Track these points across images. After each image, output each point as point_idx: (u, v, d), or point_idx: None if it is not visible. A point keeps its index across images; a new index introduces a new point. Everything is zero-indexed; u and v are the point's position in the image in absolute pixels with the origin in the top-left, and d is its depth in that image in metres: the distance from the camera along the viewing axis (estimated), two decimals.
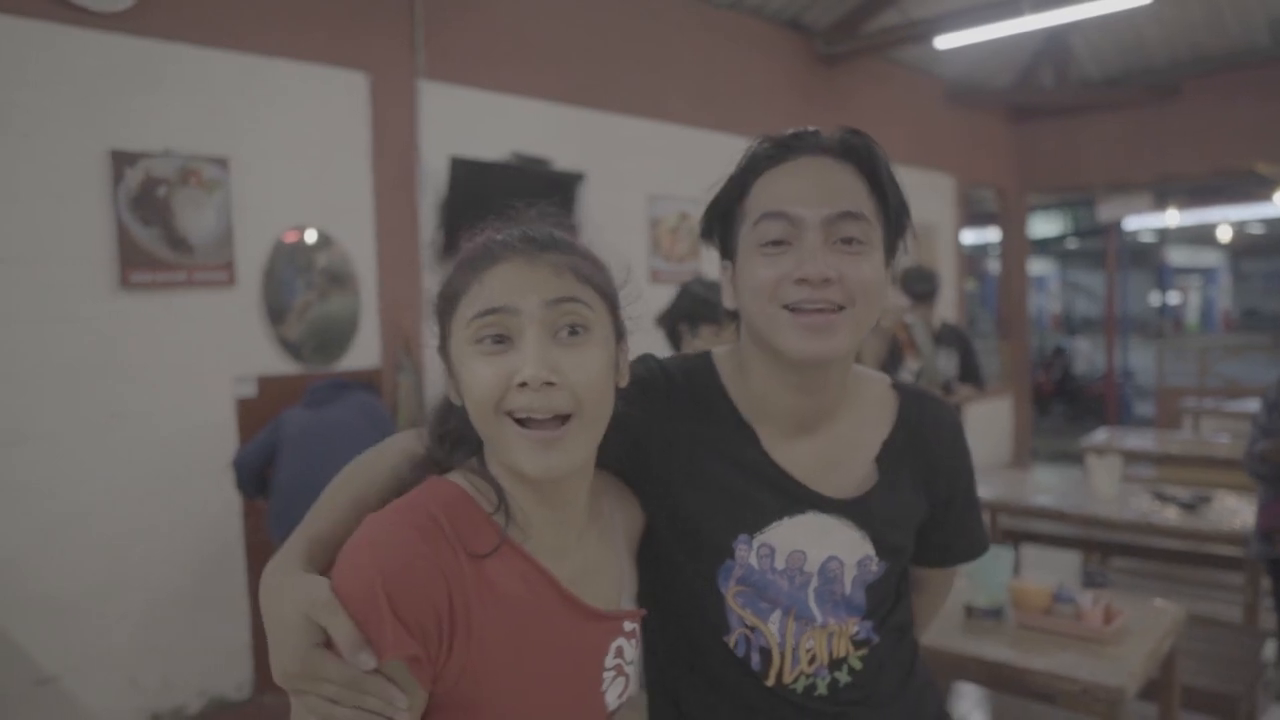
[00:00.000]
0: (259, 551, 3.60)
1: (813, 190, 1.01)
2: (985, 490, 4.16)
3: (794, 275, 0.97)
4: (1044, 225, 13.08)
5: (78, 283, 3.16)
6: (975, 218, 11.08)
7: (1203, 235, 23.60)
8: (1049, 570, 4.75)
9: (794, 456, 1.08)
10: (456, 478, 0.91)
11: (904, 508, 1.12)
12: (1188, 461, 5.24)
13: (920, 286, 4.07)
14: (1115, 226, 10.13)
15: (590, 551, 0.97)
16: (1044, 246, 19.75)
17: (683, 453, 1.08)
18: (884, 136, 4.54)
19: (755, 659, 1.07)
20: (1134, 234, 17.19)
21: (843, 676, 1.10)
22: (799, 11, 5.94)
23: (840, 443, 1.10)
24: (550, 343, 0.85)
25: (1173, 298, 28.61)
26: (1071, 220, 12.56)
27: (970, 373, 4.27)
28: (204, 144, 3.44)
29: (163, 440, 3.35)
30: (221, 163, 3.48)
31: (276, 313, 3.68)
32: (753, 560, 1.06)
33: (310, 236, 3.75)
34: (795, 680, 1.08)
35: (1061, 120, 7.92)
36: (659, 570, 1.08)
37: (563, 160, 4.47)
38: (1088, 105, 7.70)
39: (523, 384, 0.82)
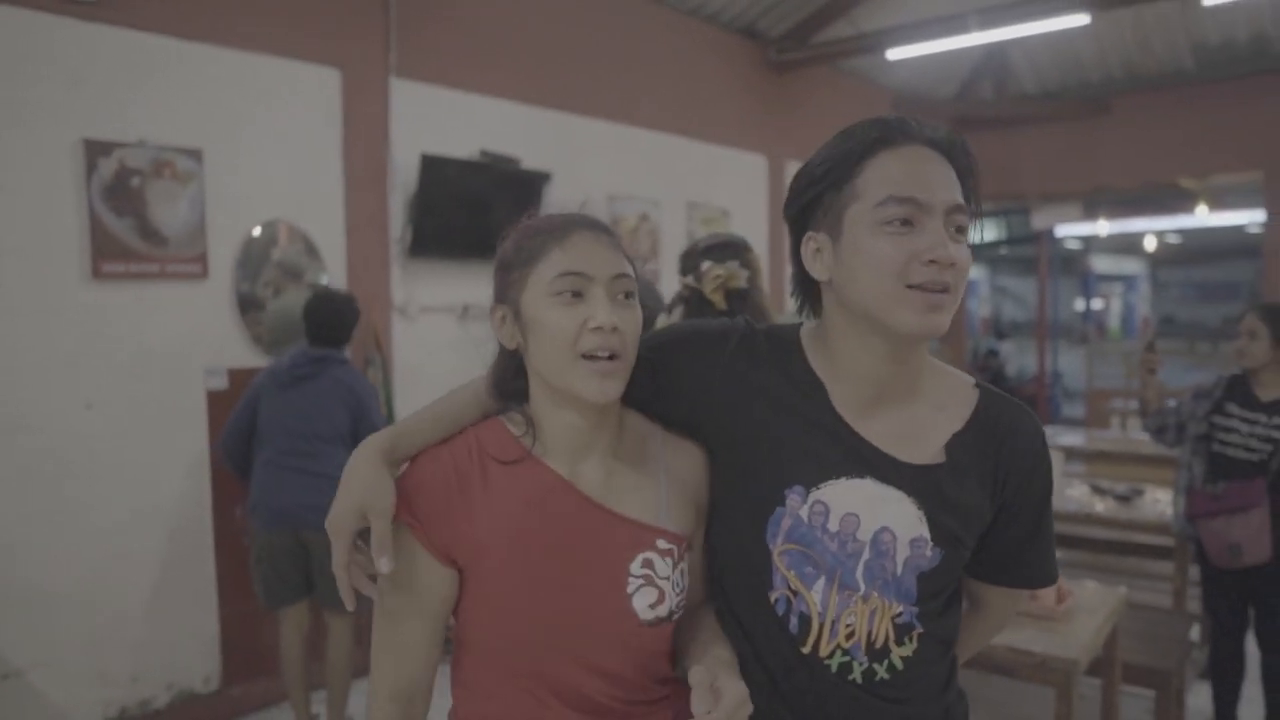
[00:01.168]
0: (228, 543, 3.61)
1: (935, 179, 1.05)
2: None
3: (925, 256, 1.02)
4: (984, 232, 13.50)
5: (51, 273, 3.14)
6: None
7: (1124, 244, 24.59)
8: None
9: (864, 422, 1.11)
10: (500, 416, 1.15)
11: (966, 500, 1.11)
12: (1117, 458, 5.55)
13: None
14: (1047, 234, 10.55)
15: (625, 472, 1.14)
16: (976, 252, 20.35)
17: (752, 399, 1.14)
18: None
19: (794, 622, 1.11)
20: (1061, 241, 17.86)
21: (881, 671, 1.11)
22: (754, 19, 6.11)
23: (913, 421, 1.13)
24: (612, 302, 1.07)
25: (1096, 304, 29.70)
26: (1006, 227, 13.01)
27: None
28: (178, 135, 3.44)
29: (134, 431, 3.34)
30: (195, 155, 3.48)
31: (247, 305, 3.69)
32: (803, 513, 1.09)
33: (281, 226, 3.77)
34: (831, 655, 1.10)
35: (1000, 131, 8.23)
36: (711, 518, 1.18)
37: (530, 160, 4.54)
38: (1025, 118, 8.03)
39: (597, 327, 1.04)
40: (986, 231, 13.19)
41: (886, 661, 1.11)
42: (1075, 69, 7.78)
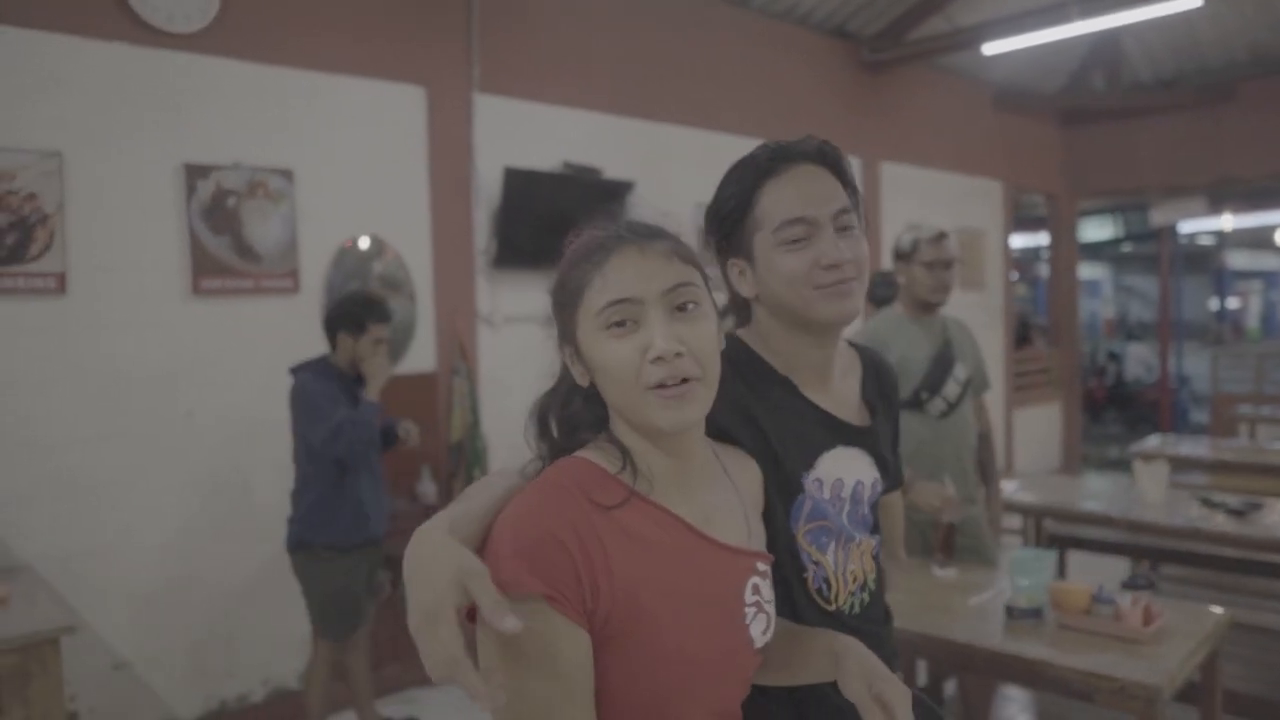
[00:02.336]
0: None
1: (817, 193, 1.24)
2: (1032, 495, 4.16)
3: (822, 263, 1.21)
4: (1096, 229, 12.90)
5: (154, 289, 3.35)
6: (1025, 222, 10.98)
7: (1263, 238, 23.01)
8: (1096, 576, 4.72)
9: (823, 400, 1.31)
10: (581, 453, 1.03)
11: (887, 435, 1.40)
12: (1240, 469, 5.18)
13: (881, 292, 4.13)
14: (1169, 230, 9.98)
15: (714, 498, 1.09)
16: (1096, 251, 19.44)
17: (750, 407, 1.24)
18: (930, 143, 4.74)
19: (822, 588, 1.26)
20: (1191, 237, 16.85)
21: (866, 596, 1.31)
22: (845, 19, 5.99)
23: (845, 388, 1.36)
24: (670, 319, 0.98)
25: (1232, 303, 27.91)
26: (1123, 224, 12.38)
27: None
28: (270, 157, 3.61)
29: (232, 439, 3.52)
30: (287, 174, 3.65)
31: None
32: (817, 493, 1.25)
33: (365, 244, 3.91)
34: (846, 602, 1.28)
35: (1113, 123, 7.84)
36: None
37: (613, 170, 4.57)
38: (1140, 108, 7.62)
39: (657, 358, 0.95)
40: (1103, 229, 12.58)
41: (867, 591, 1.32)
42: (1194, 54, 7.33)
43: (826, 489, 1.26)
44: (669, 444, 1.02)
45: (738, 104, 5.40)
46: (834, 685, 1.11)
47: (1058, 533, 4.43)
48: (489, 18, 4.24)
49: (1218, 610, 2.52)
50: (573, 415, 1.06)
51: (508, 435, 4.31)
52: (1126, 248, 17.58)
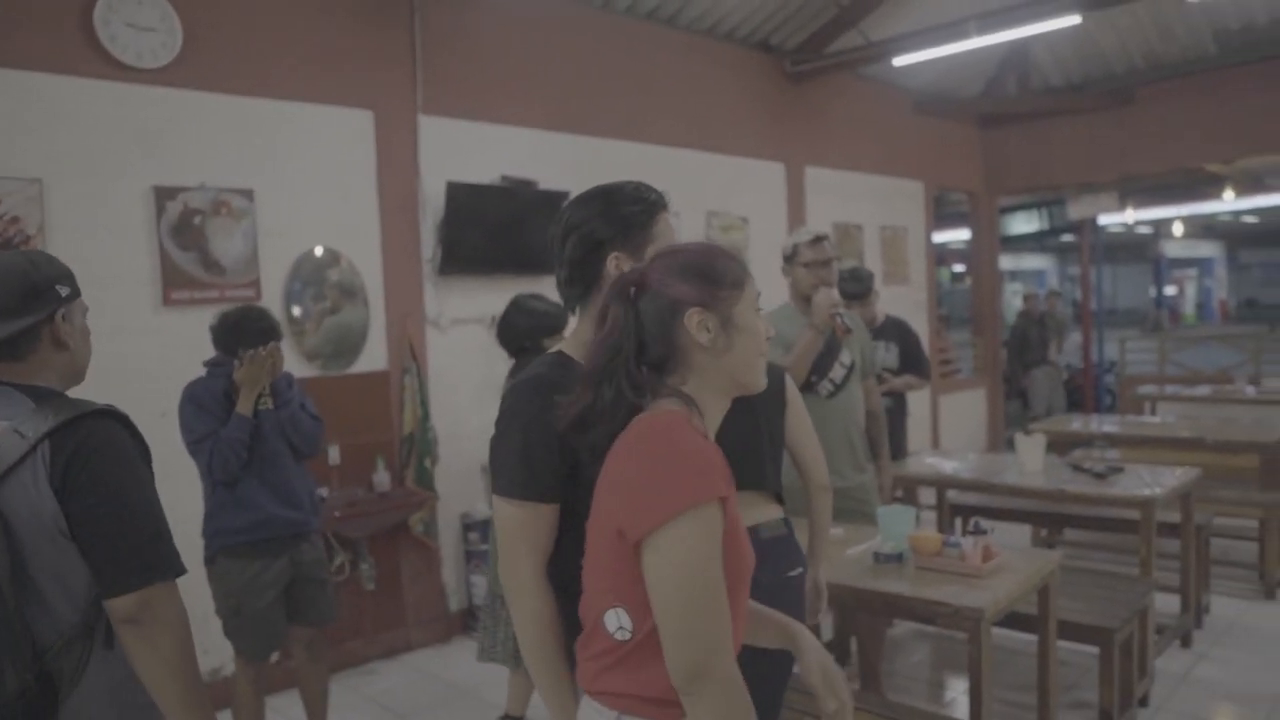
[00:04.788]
0: None
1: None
2: (926, 468, 4.64)
3: None
4: (1024, 223, 13.54)
5: (129, 301, 3.70)
6: (951, 218, 11.55)
7: (1199, 228, 23.92)
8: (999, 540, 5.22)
9: None
10: (667, 403, 1.32)
11: None
12: (1133, 441, 5.75)
13: (850, 286, 4.57)
14: (1089, 223, 10.59)
15: None
16: (1040, 242, 20.16)
17: None
18: (853, 147, 5.38)
19: None
20: (1130, 228, 17.59)
21: None
22: (768, 34, 6.45)
23: None
24: None
25: (1170, 290, 28.93)
26: (1048, 218, 13.03)
27: (911, 363, 4.76)
28: (233, 178, 3.98)
29: None
30: (248, 194, 4.01)
31: (295, 322, 4.21)
32: None
33: (323, 252, 4.29)
34: None
35: (1027, 125, 8.40)
36: None
37: (549, 182, 4.98)
38: (1051, 111, 8.17)
39: (769, 337, 1.38)
40: (1029, 223, 13.21)
41: None
42: (1098, 61, 7.91)
43: None
44: (730, 398, 1.39)
45: (669, 116, 5.83)
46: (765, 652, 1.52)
47: (958, 502, 4.94)
48: (431, 45, 4.63)
49: (1051, 553, 3.00)
50: (642, 374, 1.33)
51: (455, 427, 4.71)
52: (1067, 238, 18.29)
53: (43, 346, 1.60)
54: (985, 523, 3.02)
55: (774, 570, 2.19)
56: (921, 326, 7.89)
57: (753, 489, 2.26)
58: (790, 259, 3.45)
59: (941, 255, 19.18)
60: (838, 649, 4.09)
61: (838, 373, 3.44)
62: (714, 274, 1.34)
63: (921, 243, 8.13)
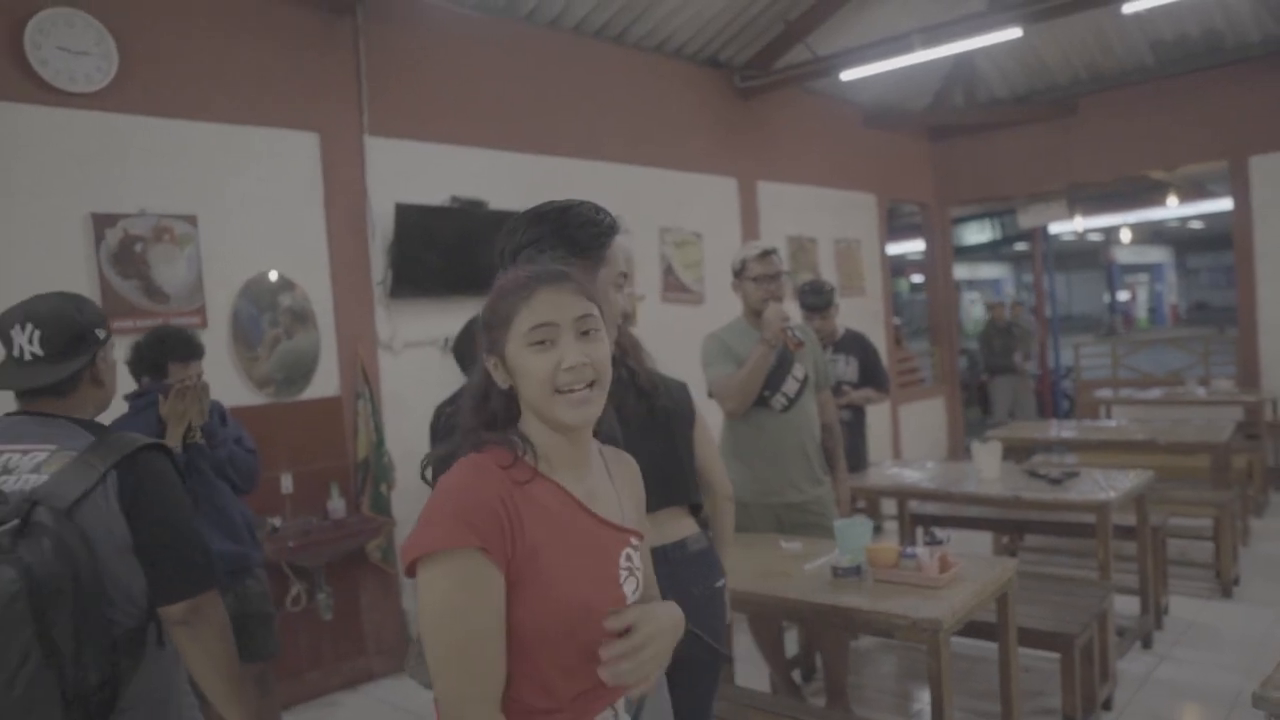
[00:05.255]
0: None
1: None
2: (883, 479, 4.64)
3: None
4: (976, 233, 13.75)
5: None
6: (905, 229, 11.67)
7: (1148, 233, 24.42)
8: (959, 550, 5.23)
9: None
10: (498, 442, 1.31)
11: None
12: (1089, 445, 5.83)
13: (811, 299, 4.58)
14: (1041, 231, 10.76)
15: (597, 482, 1.39)
16: (995, 250, 20.46)
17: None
18: (803, 161, 5.40)
19: None
20: (1081, 235, 17.92)
21: None
22: (717, 50, 6.49)
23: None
24: (578, 340, 1.28)
25: (1123, 295, 29.50)
26: (1000, 228, 13.25)
27: (871, 377, 4.78)
28: (175, 203, 3.89)
29: None
30: (191, 219, 3.93)
31: (244, 349, 4.12)
32: None
33: (273, 277, 4.21)
34: None
35: (976, 136, 8.52)
36: None
37: (500, 201, 4.94)
38: (999, 122, 8.30)
39: (569, 368, 1.26)
40: (982, 233, 13.41)
41: None
42: (1042, 73, 8.06)
43: None
44: (568, 434, 1.31)
45: (619, 133, 5.82)
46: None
47: (918, 512, 4.95)
48: (376, 66, 4.58)
49: (1009, 561, 3.00)
50: (493, 412, 1.34)
51: (411, 451, 4.63)
52: (1021, 247, 18.60)
53: (84, 385, 1.81)
54: (944, 532, 3.02)
55: (704, 582, 2.18)
56: (878, 337, 7.94)
57: (677, 504, 2.24)
58: (739, 274, 3.45)
59: (900, 266, 19.42)
60: (803, 664, 4.07)
61: (791, 386, 3.43)
62: (492, 317, 1.33)
63: (876, 254, 8.20)
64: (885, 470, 5.06)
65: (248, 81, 4.15)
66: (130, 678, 1.63)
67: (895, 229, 10.75)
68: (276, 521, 4.17)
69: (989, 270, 29.15)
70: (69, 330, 1.76)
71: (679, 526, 2.22)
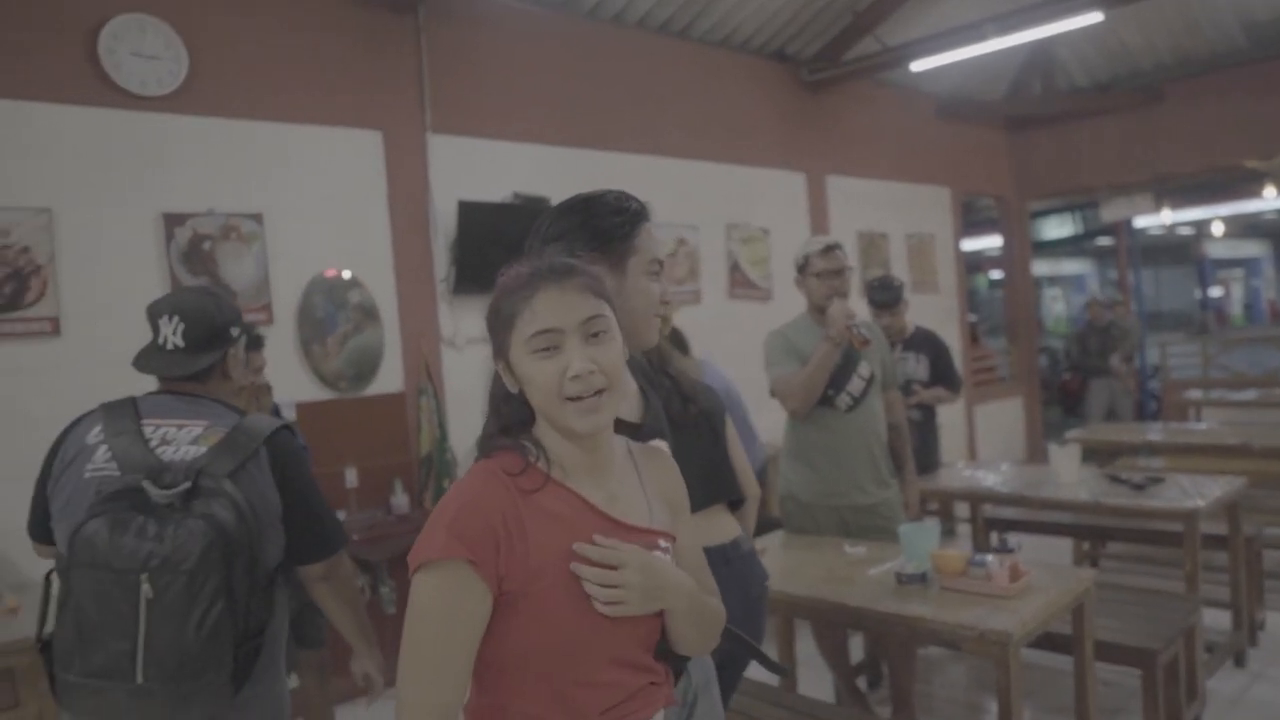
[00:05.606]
0: None
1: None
2: (957, 481, 4.48)
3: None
4: (1056, 228, 13.26)
5: (140, 329, 3.65)
6: (982, 224, 11.33)
7: (1243, 227, 23.29)
8: (1033, 554, 5.02)
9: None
10: (510, 448, 1.26)
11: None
12: (1176, 449, 5.54)
13: (879, 295, 4.45)
14: (1125, 225, 10.33)
15: (622, 486, 1.31)
16: (1079, 245, 19.74)
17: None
18: (874, 154, 5.26)
19: None
20: (1171, 229, 17.18)
21: None
22: (783, 43, 6.36)
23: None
24: (585, 344, 1.19)
25: (1215, 291, 28.22)
26: (1081, 221, 12.75)
27: (942, 375, 4.61)
28: (242, 202, 3.96)
29: None
30: (257, 218, 3.99)
31: (310, 345, 4.17)
32: None
33: (345, 275, 4.26)
34: None
35: (1055, 127, 8.21)
36: None
37: (562, 198, 4.90)
38: (1079, 111, 7.98)
39: (575, 376, 1.17)
40: (1062, 227, 12.94)
41: None
42: (1125, 59, 7.72)
43: None
44: (582, 441, 1.24)
45: (684, 129, 5.75)
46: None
47: (993, 516, 4.77)
48: (438, 63, 4.60)
49: (1087, 572, 2.85)
50: (506, 416, 1.29)
51: (473, 447, 4.64)
52: (1104, 241, 17.95)
53: (215, 377, 1.98)
54: (1019, 538, 2.88)
55: (760, 582, 2.12)
56: (952, 335, 7.72)
57: (722, 500, 2.18)
58: (803, 269, 3.35)
59: (977, 262, 18.86)
60: (869, 670, 3.95)
61: (856, 385, 3.32)
62: (494, 319, 1.25)
63: (950, 249, 7.96)
64: (959, 472, 4.89)
65: (312, 81, 4.20)
66: (267, 620, 1.82)
67: (971, 224, 10.44)
68: (341, 515, 4.22)
69: (1071, 266, 28.18)
70: (208, 327, 1.93)
71: (728, 525, 2.16)
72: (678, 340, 3.90)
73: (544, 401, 1.22)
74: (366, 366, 4.38)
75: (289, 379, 4.09)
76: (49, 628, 1.82)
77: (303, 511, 1.88)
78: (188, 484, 1.69)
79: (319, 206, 4.21)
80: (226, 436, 1.81)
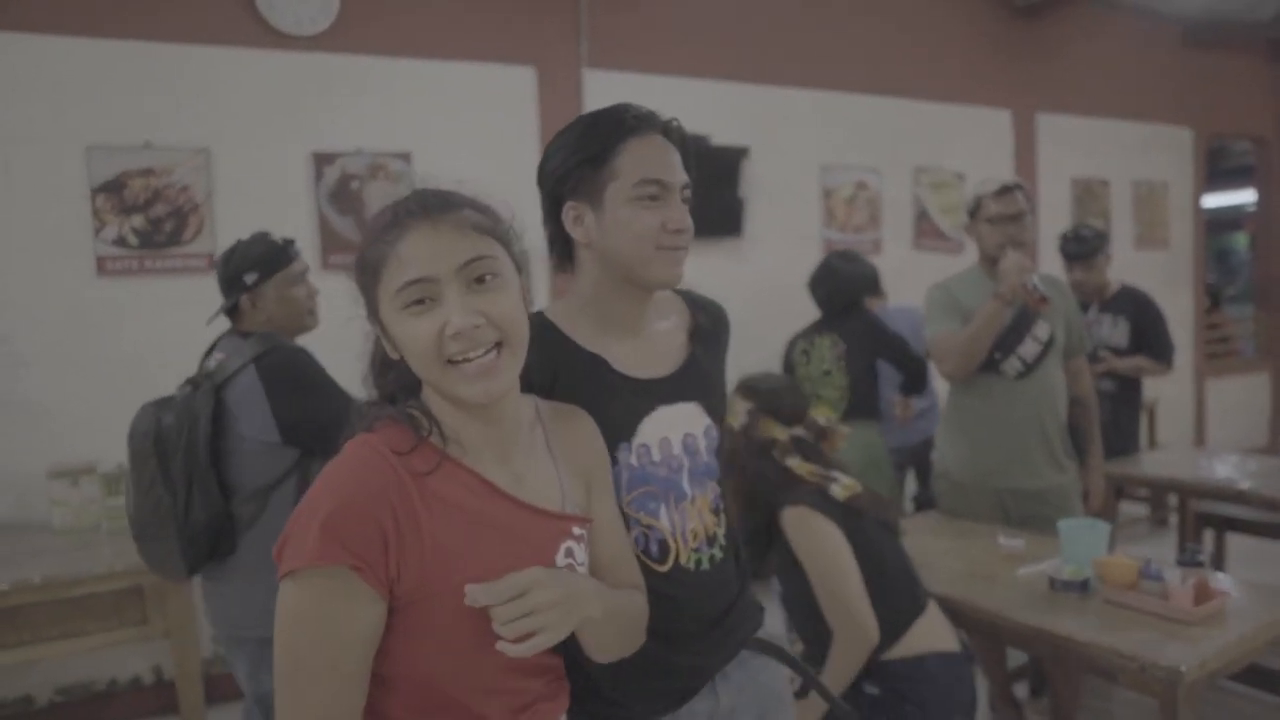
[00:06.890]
0: None
1: (672, 162, 1.35)
2: (1164, 468, 3.84)
3: (670, 226, 1.31)
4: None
5: None
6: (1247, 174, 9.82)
7: None
8: (1257, 564, 4.28)
9: (633, 363, 1.35)
10: (394, 420, 1.05)
11: (715, 372, 1.45)
12: None
13: (1071, 247, 3.87)
14: None
15: (531, 463, 1.12)
16: None
17: (570, 399, 1.29)
18: (1099, 89, 4.63)
19: (654, 549, 1.33)
20: None
21: (716, 552, 1.39)
22: None
23: (656, 338, 1.41)
24: (468, 292, 0.99)
25: None
26: None
27: (1148, 343, 3.94)
28: (390, 141, 3.93)
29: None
30: (405, 157, 3.96)
31: None
32: (633, 460, 1.32)
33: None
34: (689, 560, 1.36)
35: None
36: None
37: (725, 136, 4.59)
38: None
39: (456, 333, 0.97)
40: None
41: (717, 546, 1.40)
42: None
43: (655, 451, 1.34)
44: (477, 412, 1.04)
45: (865, 60, 5.22)
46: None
47: (1209, 513, 4.06)
48: None
49: None
50: (390, 384, 1.10)
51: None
52: None
53: (245, 312, 2.25)
54: (1245, 542, 2.34)
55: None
56: (1183, 300, 6.74)
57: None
58: (974, 214, 2.90)
59: (1233, 218, 16.56)
60: (1032, 675, 3.48)
61: (1030, 349, 2.85)
62: (360, 270, 1.05)
63: (1188, 201, 6.90)
64: (1169, 456, 4.21)
65: (463, 16, 4.09)
66: (249, 526, 2.07)
67: (1221, 173, 9.08)
68: None
69: None
70: (221, 276, 2.27)
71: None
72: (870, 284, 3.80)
73: (423, 367, 1.02)
74: None
75: None
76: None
77: (296, 417, 2.08)
78: (190, 388, 2.12)
79: (468, 146, 4.12)
80: (228, 356, 2.15)
